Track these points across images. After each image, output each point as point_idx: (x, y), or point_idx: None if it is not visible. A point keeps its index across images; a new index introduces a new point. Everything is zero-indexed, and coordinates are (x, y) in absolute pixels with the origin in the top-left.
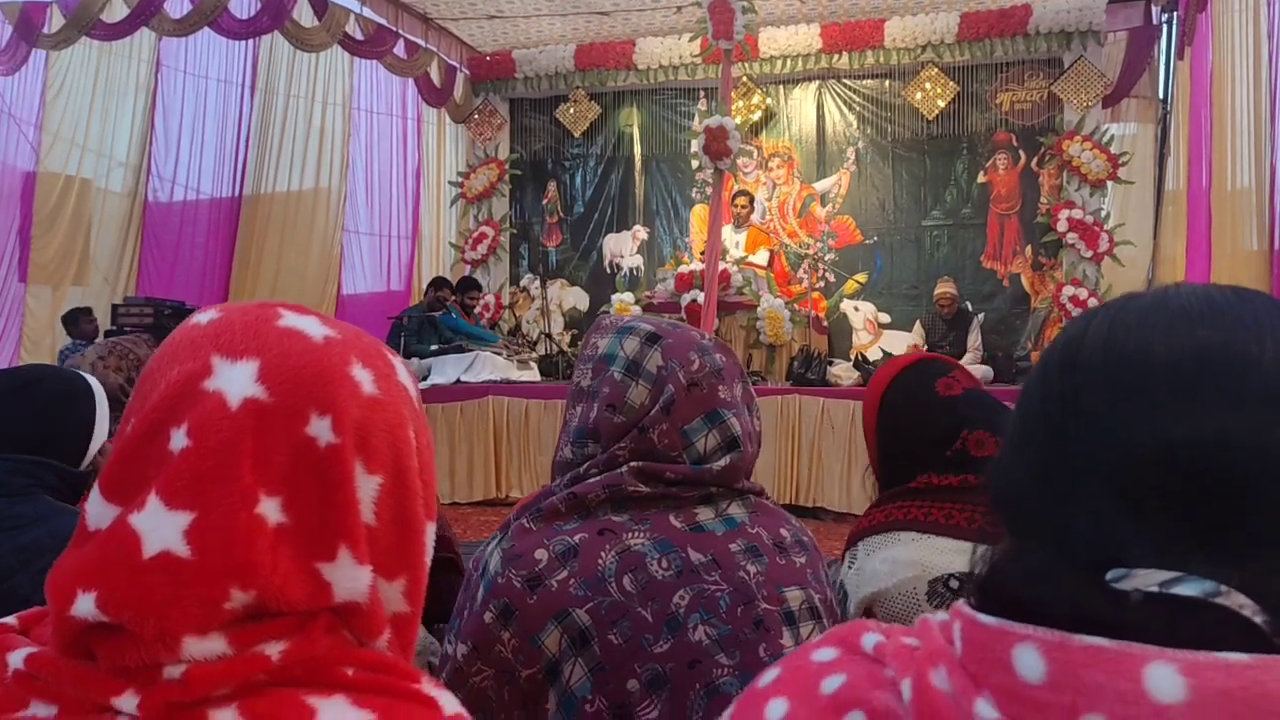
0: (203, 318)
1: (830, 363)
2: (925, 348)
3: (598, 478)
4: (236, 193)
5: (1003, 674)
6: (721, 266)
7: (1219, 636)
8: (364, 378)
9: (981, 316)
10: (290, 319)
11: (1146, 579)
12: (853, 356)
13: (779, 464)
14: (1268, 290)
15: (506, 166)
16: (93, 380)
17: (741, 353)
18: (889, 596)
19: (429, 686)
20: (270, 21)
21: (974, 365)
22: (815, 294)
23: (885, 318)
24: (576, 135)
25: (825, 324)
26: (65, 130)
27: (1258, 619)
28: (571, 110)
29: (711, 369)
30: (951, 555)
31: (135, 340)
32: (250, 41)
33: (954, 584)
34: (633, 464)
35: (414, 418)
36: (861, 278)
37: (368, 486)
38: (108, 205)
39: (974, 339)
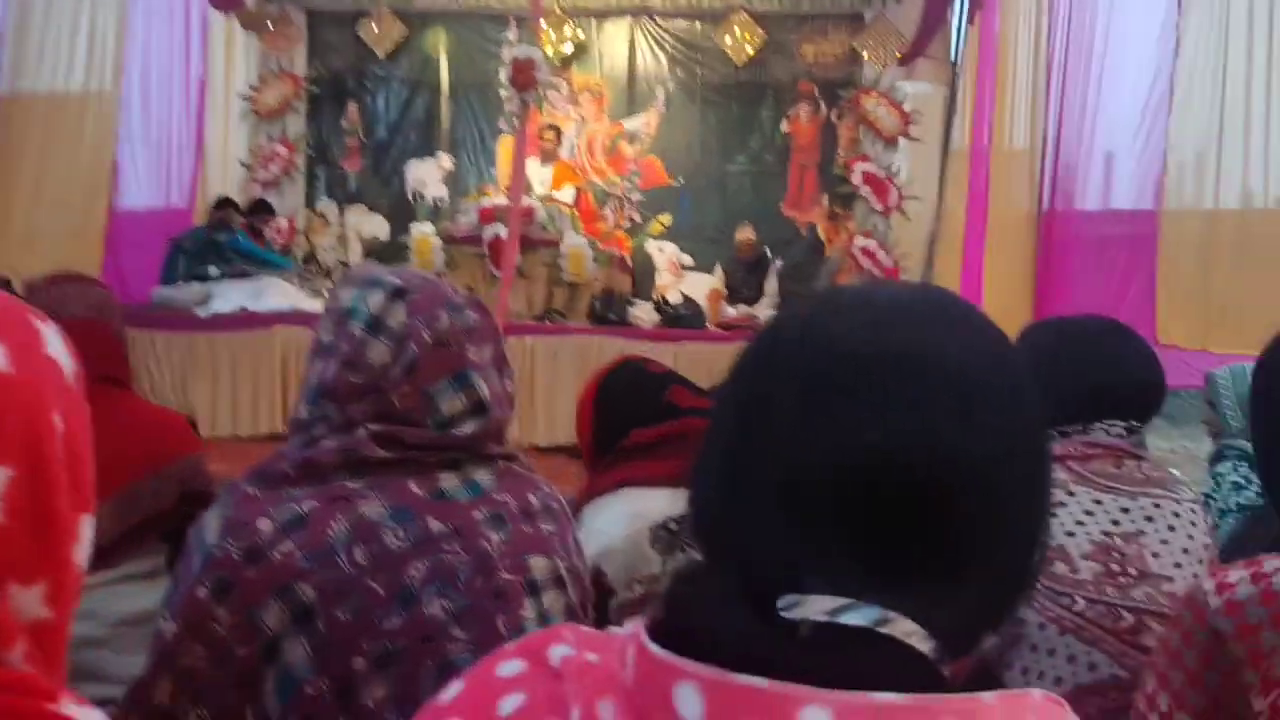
0: None
1: (631, 303)
2: (725, 291)
3: (332, 442)
4: None
5: (664, 712)
6: (526, 202)
7: (880, 672)
8: None
9: (780, 263)
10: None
11: (815, 607)
12: (655, 298)
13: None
14: (1034, 249)
15: (304, 83)
16: None
17: (543, 290)
18: (617, 551)
19: (70, 705)
20: None
21: (771, 310)
22: (620, 233)
23: (688, 260)
24: (380, 55)
25: (629, 264)
26: None
27: (924, 647)
28: (375, 28)
29: (462, 327)
30: (671, 502)
31: None
32: None
33: (673, 525)
34: (371, 426)
35: (62, 398)
36: (666, 219)
37: None
38: None
39: (771, 284)
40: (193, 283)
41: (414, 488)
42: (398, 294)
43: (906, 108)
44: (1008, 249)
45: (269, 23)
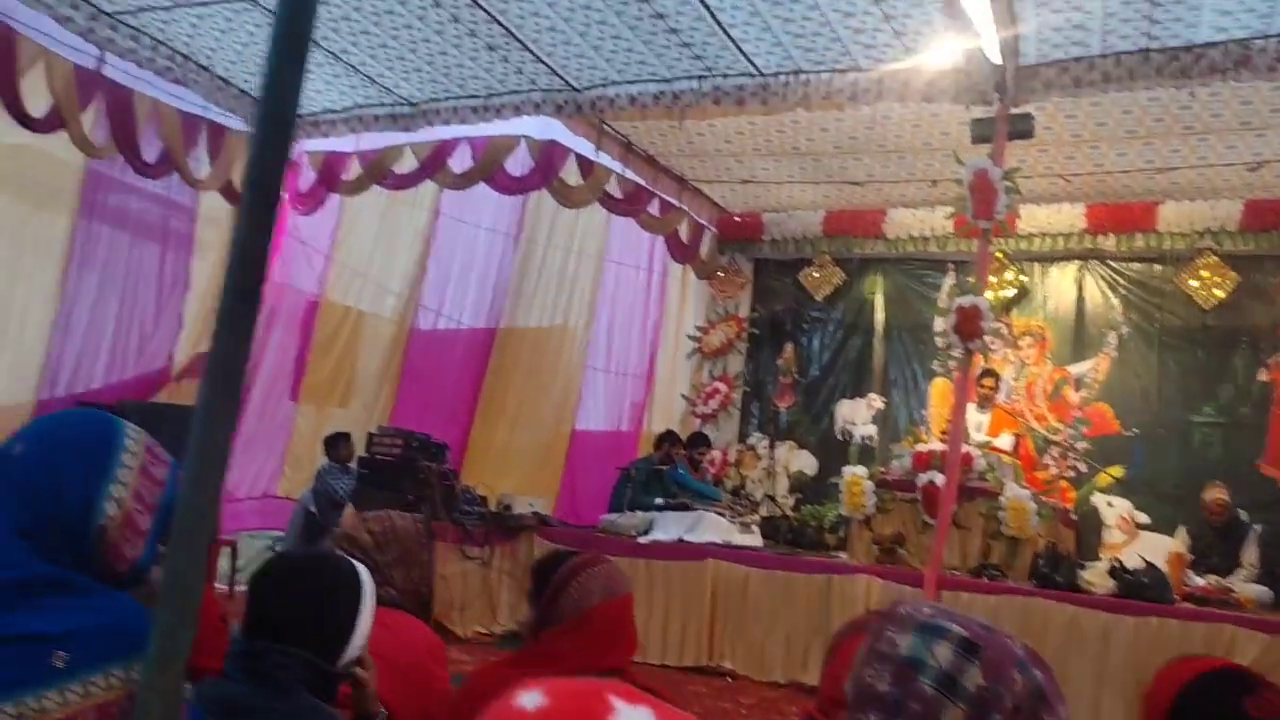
0: (528, 701)
1: (1081, 565)
2: (1190, 557)
3: None
4: (492, 325)
5: None
6: (964, 449)
7: None
8: None
9: (1260, 529)
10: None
11: None
12: (1107, 560)
13: None
14: None
15: (745, 324)
16: (364, 574)
17: (979, 543)
18: None
19: None
20: (540, 179)
21: (1249, 584)
22: (1063, 484)
23: (1143, 518)
24: (818, 299)
25: (1073, 517)
26: (350, 265)
27: None
28: (815, 274)
29: (1034, 690)
30: None
31: (404, 519)
32: (520, 196)
33: None
34: None
35: None
36: (1117, 471)
37: None
38: (377, 330)
39: (1250, 554)
40: (637, 511)
41: None
42: (968, 649)
43: None
44: None
45: (720, 272)
